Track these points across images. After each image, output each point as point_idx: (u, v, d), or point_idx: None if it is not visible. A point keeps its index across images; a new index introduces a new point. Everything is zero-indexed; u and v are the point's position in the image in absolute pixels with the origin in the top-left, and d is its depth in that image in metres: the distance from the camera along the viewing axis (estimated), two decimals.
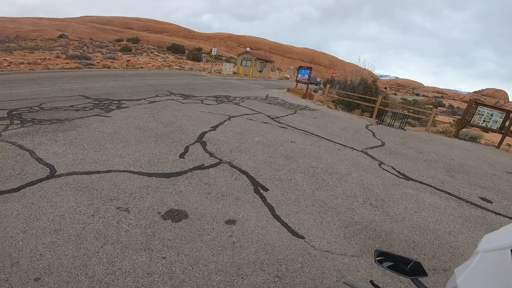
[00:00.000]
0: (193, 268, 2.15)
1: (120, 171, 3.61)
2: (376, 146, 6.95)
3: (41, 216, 2.54)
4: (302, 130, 7.17)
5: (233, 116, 7.38)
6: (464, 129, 11.48)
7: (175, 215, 2.80)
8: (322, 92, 19.11)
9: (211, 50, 29.12)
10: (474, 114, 11.01)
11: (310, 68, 16.87)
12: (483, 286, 0.44)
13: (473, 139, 11.23)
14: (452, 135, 11.34)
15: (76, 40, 48.21)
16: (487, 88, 73.93)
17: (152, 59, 34.09)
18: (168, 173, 3.70)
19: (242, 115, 7.76)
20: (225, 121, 6.79)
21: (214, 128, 6.09)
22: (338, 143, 6.52)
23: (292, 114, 9.29)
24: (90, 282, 1.90)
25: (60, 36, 49.99)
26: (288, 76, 45.44)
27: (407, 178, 5.03)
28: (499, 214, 4.13)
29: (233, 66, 31.62)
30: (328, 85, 15.86)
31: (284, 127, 7.11)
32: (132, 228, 2.52)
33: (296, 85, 17.71)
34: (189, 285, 2.00)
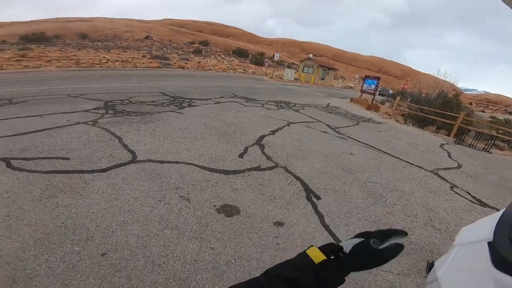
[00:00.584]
0: (235, 262, 2.26)
1: (186, 163, 4.01)
2: (450, 168, 6.15)
3: (120, 196, 2.99)
4: (363, 143, 6.80)
5: (292, 123, 7.44)
6: None
7: (229, 210, 2.97)
8: (390, 104, 17.70)
9: (274, 55, 29.76)
10: None
11: (378, 78, 15.81)
12: (462, 277, 0.44)
13: None
14: None
15: (158, 41, 54.72)
16: None
17: (219, 61, 36.52)
18: (227, 170, 3.95)
19: (301, 122, 7.76)
20: (284, 126, 6.88)
21: (273, 132, 6.24)
22: (403, 160, 5.99)
23: (353, 125, 8.88)
24: (145, 262, 2.14)
25: (146, 37, 57.35)
26: (352, 85, 43.34)
27: (483, 204, 4.34)
28: None
29: (295, 72, 31.64)
30: (398, 97, 14.62)
31: (343, 138, 6.85)
32: (190, 217, 2.77)
33: (361, 95, 16.80)
34: (228, 277, 2.11)
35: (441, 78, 15.41)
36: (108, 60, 22.08)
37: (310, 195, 3.63)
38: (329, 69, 35.65)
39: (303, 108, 10.23)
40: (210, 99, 9.34)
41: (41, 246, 2.17)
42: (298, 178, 4.06)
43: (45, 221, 2.48)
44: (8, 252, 2.07)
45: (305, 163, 4.71)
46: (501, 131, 11.77)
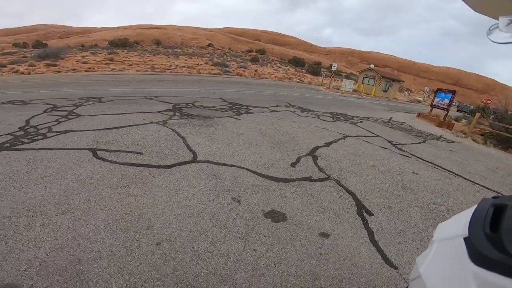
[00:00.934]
0: (275, 266, 2.29)
1: (240, 167, 4.19)
2: None
3: (180, 192, 3.29)
4: (430, 162, 6.13)
5: (348, 136, 7.14)
6: None
7: (276, 216, 3.01)
8: (467, 122, 15.56)
9: (331, 65, 28.96)
10: None
11: (453, 92, 14.07)
12: (443, 273, 0.44)
13: None
14: None
15: (219, 49, 58.37)
16: None
17: (275, 70, 37.15)
18: (278, 178, 4.01)
19: (359, 136, 7.38)
20: (339, 139, 6.65)
21: (328, 144, 6.08)
22: (478, 184, 5.20)
23: (420, 143, 8.06)
24: (192, 255, 2.30)
25: (209, 45, 61.67)
26: (421, 99, 39.41)
27: None
28: None
29: (354, 83, 30.27)
30: (479, 114, 12.78)
31: (406, 156, 6.28)
32: (238, 218, 2.88)
33: (431, 110, 15.16)
34: (266, 280, 2.14)
35: None
36: (176, 66, 24.50)
37: (362, 210, 3.48)
38: (393, 80, 33.13)
39: (361, 122, 9.72)
40: (266, 107, 9.58)
41: (110, 231, 2.50)
42: (350, 193, 3.92)
43: (117, 208, 2.86)
44: (81, 233, 2.44)
45: (360, 178, 4.48)
46: None
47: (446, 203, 4.14)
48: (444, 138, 9.86)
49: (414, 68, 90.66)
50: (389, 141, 7.36)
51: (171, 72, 19.82)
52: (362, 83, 30.85)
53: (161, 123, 6.06)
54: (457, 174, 5.63)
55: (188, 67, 23.98)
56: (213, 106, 8.46)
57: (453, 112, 21.94)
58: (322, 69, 42.89)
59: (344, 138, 6.84)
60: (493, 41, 0.56)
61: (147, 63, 24.27)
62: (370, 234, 3.01)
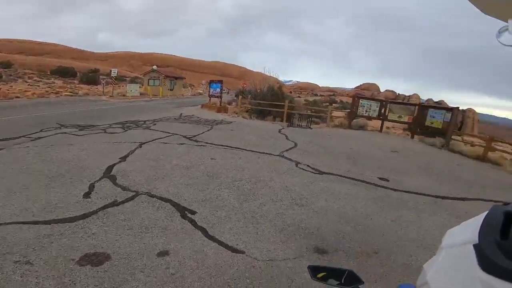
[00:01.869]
0: None
1: (5, 223, 2.83)
2: (291, 148, 7.52)
3: None
4: (220, 145, 7.14)
5: (144, 143, 6.75)
6: (354, 120, 13.69)
7: (94, 259, 2.44)
8: (236, 104, 19.72)
9: (111, 71, 26.40)
10: (358, 106, 13.27)
11: (220, 81, 17.20)
12: (451, 280, 0.44)
13: (362, 127, 13.50)
14: (346, 127, 13.35)
15: None
16: (364, 83, 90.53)
17: (32, 85, 28.45)
18: (73, 217, 3.11)
19: (155, 139, 7.20)
20: (136, 149, 6.13)
21: (124, 158, 5.42)
22: (256, 152, 6.75)
23: (208, 130, 9.19)
24: None
25: None
26: (202, 91, 45.28)
27: (321, 172, 5.56)
28: (395, 190, 4.98)
29: (140, 87, 29.48)
30: (240, 96, 16.48)
31: (202, 145, 6.92)
32: (43, 280, 2.14)
33: (210, 100, 17.74)
34: None
35: (267, 74, 18.67)
36: None
37: (185, 212, 3.44)
38: (177, 78, 35.38)
39: (154, 124, 9.58)
40: (23, 136, 7.00)
41: None
42: (166, 200, 3.75)
43: None
44: None
45: (169, 182, 4.38)
46: (313, 110, 15.67)
47: (244, 176, 4.96)
48: (225, 121, 11.93)
49: (192, 64, 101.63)
50: (185, 136, 7.78)
51: None
52: (148, 85, 30.59)
53: None
54: (241, 148, 6.95)
55: None
56: None
57: (229, 97, 27.08)
58: (101, 77, 37.88)
59: (140, 146, 6.40)
60: (503, 44, 0.55)
61: None
62: (204, 231, 3.03)
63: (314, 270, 0.95)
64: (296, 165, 5.90)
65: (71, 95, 23.25)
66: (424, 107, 12.74)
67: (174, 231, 3.01)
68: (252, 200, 3.99)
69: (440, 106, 17.23)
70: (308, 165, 5.95)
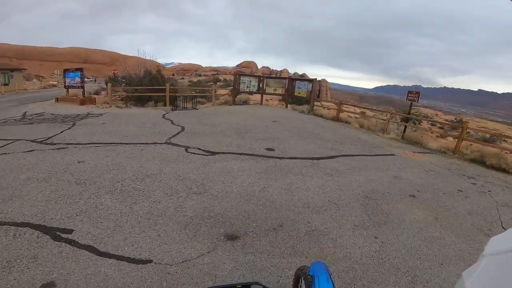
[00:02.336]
0: None
1: None
2: (178, 133, 7.04)
3: None
4: (90, 143, 5.87)
5: None
6: (238, 96, 14.26)
7: None
8: (106, 93, 16.77)
9: None
10: (240, 83, 13.83)
11: (81, 69, 14.04)
12: None
13: (245, 102, 14.27)
14: (231, 104, 13.78)
15: None
16: (244, 61, 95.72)
17: None
18: None
19: None
20: None
21: None
22: (139, 143, 5.94)
23: (69, 128, 7.37)
24: None
25: None
26: (56, 82, 36.21)
27: (212, 153, 5.46)
28: (281, 158, 5.44)
29: None
30: (110, 84, 14.06)
31: (62, 148, 5.48)
32: None
33: (67, 91, 14.31)
34: None
35: (144, 58, 16.59)
36: None
37: (57, 233, 2.71)
38: (13, 70, 27.25)
39: None
40: None
41: None
42: (24, 224, 2.84)
43: None
44: None
45: (22, 202, 3.29)
46: (198, 91, 15.26)
47: (126, 174, 4.24)
48: (92, 114, 9.92)
49: (37, 53, 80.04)
50: (34, 140, 5.93)
51: None
52: None
53: None
54: (119, 143, 5.92)
55: None
56: None
57: (97, 86, 22.62)
58: None
59: None
60: None
61: None
62: (92, 250, 2.49)
63: None
64: (186, 150, 5.57)
65: None
66: (292, 80, 14.55)
67: (50, 257, 2.35)
68: (143, 199, 3.48)
69: (303, 78, 20.17)
70: (198, 148, 5.73)
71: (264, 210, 3.40)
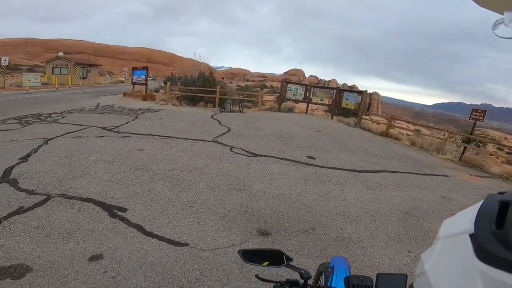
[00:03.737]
0: None
1: None
2: (224, 133, 7.48)
3: None
4: (149, 134, 6.60)
5: (51, 138, 5.72)
6: (283, 103, 14.45)
7: (12, 272, 2.11)
8: (164, 91, 18.42)
9: (0, 59, 21.18)
10: (286, 90, 14.03)
11: (146, 68, 15.74)
12: (449, 270, 0.45)
13: (290, 110, 14.39)
14: (276, 110, 14.02)
15: None
16: (291, 69, 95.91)
17: None
18: None
19: (65, 134, 6.17)
20: (40, 146, 5.15)
21: (25, 158, 4.51)
22: (189, 139, 6.49)
23: (133, 120, 8.36)
24: None
25: None
26: (123, 79, 40.73)
27: (255, 155, 5.72)
28: (322, 167, 5.46)
29: (41, 76, 24.70)
30: (169, 83, 15.43)
31: (126, 136, 6.27)
32: None
33: (133, 87, 16.10)
34: None
35: (198, 60, 17.90)
36: None
37: (114, 211, 3.12)
38: (90, 65, 31.34)
39: (63, 117, 8.18)
40: None
41: None
42: (88, 200, 3.32)
43: None
44: None
45: (89, 180, 3.87)
46: (245, 95, 15.86)
47: (177, 165, 4.73)
48: (152, 109, 11.04)
49: (110, 51, 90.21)
50: (104, 128, 6.90)
51: None
52: (53, 74, 25.97)
53: None
54: (172, 137, 6.57)
55: None
56: None
57: (157, 85, 25.01)
58: None
59: (46, 142, 5.40)
60: (498, 36, 0.55)
61: None
62: (140, 228, 2.81)
63: (244, 254, 0.96)
64: (231, 150, 5.92)
65: None
66: (340, 90, 14.26)
67: (104, 232, 2.71)
68: (189, 189, 3.85)
69: (353, 89, 19.57)
70: (242, 149, 6.04)
71: (298, 213, 3.50)
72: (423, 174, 6.02)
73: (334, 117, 13.98)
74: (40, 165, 4.25)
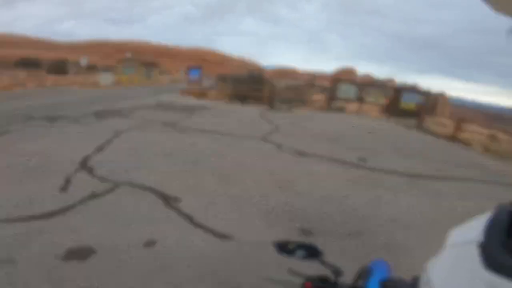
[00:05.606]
0: None
1: None
2: (272, 131, 7.56)
3: None
4: (201, 130, 7.05)
5: (122, 131, 6.52)
6: (334, 103, 13.94)
7: (79, 253, 2.37)
8: (216, 89, 19.37)
9: (81, 60, 24.81)
10: (337, 90, 13.50)
11: (200, 66, 16.75)
12: (454, 279, 0.44)
13: (340, 110, 13.80)
14: (326, 110, 13.59)
15: None
16: (342, 67, 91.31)
17: None
18: (48, 213, 2.96)
19: (133, 127, 6.96)
20: (112, 138, 5.91)
21: (100, 148, 5.21)
22: (238, 136, 6.73)
23: (188, 116, 9.01)
24: None
25: None
26: (180, 78, 43.96)
27: (302, 154, 5.67)
28: (373, 169, 5.17)
29: (113, 75, 28.07)
30: (220, 82, 16.17)
31: (183, 131, 6.80)
32: (33, 278, 2.04)
33: (189, 85, 17.28)
34: None
35: (247, 60, 18.36)
36: None
37: (168, 200, 3.38)
38: (153, 65, 34.56)
39: (131, 112, 9.22)
40: None
41: None
42: (148, 189, 3.65)
43: None
44: None
45: (150, 170, 4.29)
46: (294, 94, 15.73)
47: (226, 161, 4.97)
48: (204, 106, 11.70)
49: (168, 51, 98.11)
50: (164, 123, 7.59)
51: None
52: (123, 73, 29.31)
53: None
54: (222, 133, 6.89)
55: None
56: None
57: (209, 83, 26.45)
58: (70, 66, 35.55)
59: (117, 135, 6.16)
60: None
61: None
62: (190, 218, 2.98)
63: (279, 245, 0.99)
64: (278, 148, 5.96)
65: (39, 87, 21.76)
66: (399, 90, 13.16)
67: (159, 220, 2.95)
68: (236, 184, 4.00)
69: (413, 89, 17.89)
70: (290, 148, 6.03)
71: (344, 215, 3.38)
72: (497, 183, 5.24)
73: (391, 118, 12.98)
74: (112, 155, 4.87)
